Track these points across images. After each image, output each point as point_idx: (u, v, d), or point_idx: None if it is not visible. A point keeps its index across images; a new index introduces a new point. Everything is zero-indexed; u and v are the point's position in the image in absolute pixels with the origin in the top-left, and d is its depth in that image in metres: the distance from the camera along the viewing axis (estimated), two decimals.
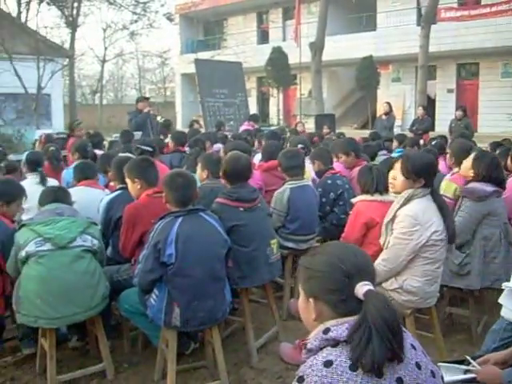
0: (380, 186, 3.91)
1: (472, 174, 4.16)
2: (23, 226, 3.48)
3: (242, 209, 3.77)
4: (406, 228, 3.30)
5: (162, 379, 3.56)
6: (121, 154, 4.67)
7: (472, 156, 4.27)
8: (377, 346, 1.43)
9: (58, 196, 3.74)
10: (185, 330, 3.37)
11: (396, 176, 3.48)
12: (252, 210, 3.82)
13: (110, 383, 3.60)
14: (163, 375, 3.56)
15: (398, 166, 3.45)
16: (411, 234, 3.28)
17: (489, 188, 4.02)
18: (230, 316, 3.95)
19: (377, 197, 3.90)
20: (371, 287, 1.54)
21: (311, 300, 1.61)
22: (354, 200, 4.10)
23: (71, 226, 3.44)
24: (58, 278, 3.33)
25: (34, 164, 5.16)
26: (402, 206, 3.38)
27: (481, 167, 4.08)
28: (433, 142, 7.25)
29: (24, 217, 4.70)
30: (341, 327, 1.51)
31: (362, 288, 1.53)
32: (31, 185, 4.89)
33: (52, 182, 5.04)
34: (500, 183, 4.12)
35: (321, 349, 1.52)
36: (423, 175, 3.36)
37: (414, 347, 1.58)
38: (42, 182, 4.92)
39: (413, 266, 3.36)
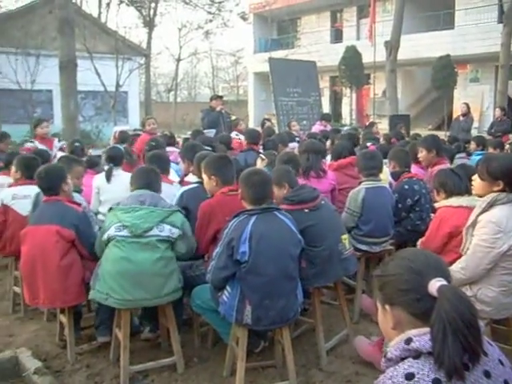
0: (467, 187, 3.75)
1: None
2: (111, 209, 3.66)
3: (307, 210, 3.72)
4: (487, 235, 3.16)
5: (231, 376, 3.58)
6: (203, 152, 4.68)
7: None
8: (452, 342, 1.36)
9: (149, 179, 3.81)
10: (256, 328, 3.36)
11: (476, 178, 3.36)
12: (317, 208, 3.76)
13: (181, 377, 3.65)
14: (232, 372, 3.59)
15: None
16: (493, 242, 3.14)
17: None
18: (301, 317, 3.92)
19: (463, 201, 3.69)
20: (445, 282, 1.47)
21: (387, 307, 1.57)
22: (437, 205, 3.92)
23: (149, 216, 3.51)
24: (130, 263, 3.45)
25: (112, 159, 5.31)
26: (484, 211, 3.24)
27: None
28: None
29: (101, 209, 4.89)
30: (423, 338, 1.44)
31: (434, 284, 1.46)
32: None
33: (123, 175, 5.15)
34: None
35: (402, 359, 1.46)
36: (501, 178, 3.21)
37: (501, 363, 1.50)
38: (107, 177, 5.05)
39: (490, 275, 3.23)
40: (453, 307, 1.39)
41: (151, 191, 3.72)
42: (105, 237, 3.56)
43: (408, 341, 1.46)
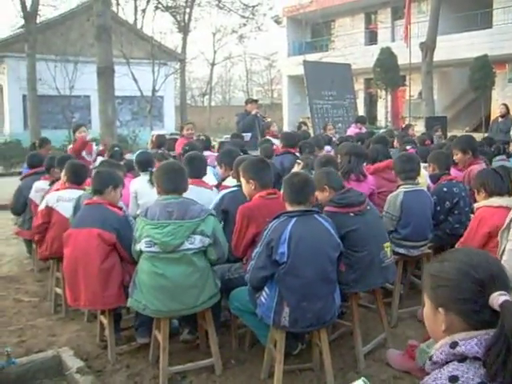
0: (509, 187, 3.68)
1: None
2: (138, 215, 3.69)
3: (352, 214, 3.71)
4: None
5: (268, 378, 3.59)
6: (242, 156, 4.70)
7: None
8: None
9: (176, 181, 3.70)
10: (293, 330, 3.37)
11: None
12: (362, 213, 3.75)
13: (218, 378, 3.68)
14: (269, 374, 3.59)
15: None
16: None
17: None
18: (338, 320, 3.91)
19: (504, 202, 3.63)
20: (508, 298, 1.41)
21: (441, 310, 1.52)
22: (476, 205, 3.86)
23: (178, 232, 3.46)
24: (164, 278, 3.47)
25: (143, 164, 5.37)
26: None
27: None
28: None
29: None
30: (470, 342, 1.42)
31: (497, 298, 1.41)
32: (143, 183, 5.16)
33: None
34: None
35: (446, 362, 1.45)
36: None
37: None
38: (151, 181, 5.07)
39: None
40: None
41: (179, 195, 3.66)
42: (137, 248, 3.59)
43: (454, 344, 1.44)
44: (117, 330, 4.13)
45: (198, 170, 4.67)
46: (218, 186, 4.92)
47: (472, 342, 1.42)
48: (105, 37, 12.32)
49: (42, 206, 4.87)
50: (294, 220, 3.27)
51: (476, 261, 1.52)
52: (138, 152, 6.26)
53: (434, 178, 5.10)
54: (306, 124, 10.93)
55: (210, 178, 5.13)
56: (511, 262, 3.16)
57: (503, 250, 3.26)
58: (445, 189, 4.80)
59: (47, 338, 4.40)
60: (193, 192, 4.42)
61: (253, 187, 3.85)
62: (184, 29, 29.27)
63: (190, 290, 3.51)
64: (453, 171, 5.29)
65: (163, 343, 3.57)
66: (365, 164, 5.83)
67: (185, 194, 3.78)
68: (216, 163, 5.40)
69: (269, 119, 10.21)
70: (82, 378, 3.50)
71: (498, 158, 6.73)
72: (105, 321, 4.03)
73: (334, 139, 8.74)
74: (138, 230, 3.59)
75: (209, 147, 7.68)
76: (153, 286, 3.49)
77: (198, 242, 3.51)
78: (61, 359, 3.78)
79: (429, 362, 1.52)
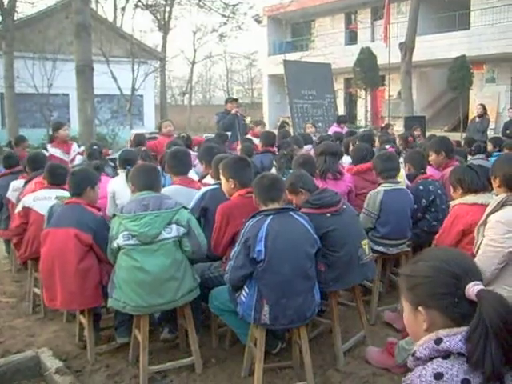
0: (485, 183, 3.72)
1: None
2: (115, 215, 3.67)
3: (328, 214, 3.72)
4: (496, 235, 3.17)
5: (249, 376, 3.60)
6: (221, 154, 4.67)
7: None
8: (494, 347, 1.36)
9: (150, 179, 3.77)
10: (274, 327, 3.39)
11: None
12: (339, 213, 3.76)
13: (199, 377, 3.68)
14: (250, 372, 3.61)
15: None
16: (503, 242, 3.14)
17: None
18: (318, 318, 3.94)
19: (478, 199, 3.67)
20: (483, 287, 1.47)
21: (421, 309, 1.54)
22: (452, 203, 3.91)
23: (154, 222, 3.49)
24: (142, 272, 3.47)
25: (126, 162, 5.28)
26: (494, 210, 3.24)
27: None
28: None
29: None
30: (454, 338, 1.44)
31: (473, 288, 1.46)
32: (121, 182, 5.04)
33: None
34: None
35: (430, 358, 1.47)
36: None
37: None
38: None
39: (503, 274, 3.22)
40: (496, 312, 1.39)
41: (153, 191, 3.70)
42: (114, 245, 3.57)
43: (438, 341, 1.46)
44: (96, 330, 4.10)
45: (182, 164, 4.66)
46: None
47: (456, 338, 1.44)
48: (84, 35, 12.20)
49: (18, 208, 4.81)
50: (270, 218, 3.29)
51: (448, 256, 1.58)
52: (121, 150, 6.21)
53: (411, 178, 5.16)
54: (287, 123, 10.97)
55: (192, 175, 5.09)
56: (484, 257, 3.23)
57: (479, 246, 3.32)
58: (421, 187, 4.86)
59: (26, 338, 4.35)
60: (182, 193, 4.37)
61: (232, 186, 3.85)
62: (164, 27, 29.14)
63: (169, 282, 3.51)
64: (430, 170, 5.34)
65: (143, 342, 3.56)
66: (345, 162, 5.87)
67: (172, 195, 3.84)
68: (197, 161, 5.39)
69: (248, 119, 10.21)
70: (60, 379, 3.48)
71: (476, 156, 6.80)
72: (84, 321, 4.00)
73: (314, 138, 8.78)
74: (113, 229, 3.59)
75: (189, 146, 7.66)
76: (132, 280, 3.48)
77: (174, 231, 3.55)
78: (39, 360, 3.75)
79: (411, 357, 1.53)
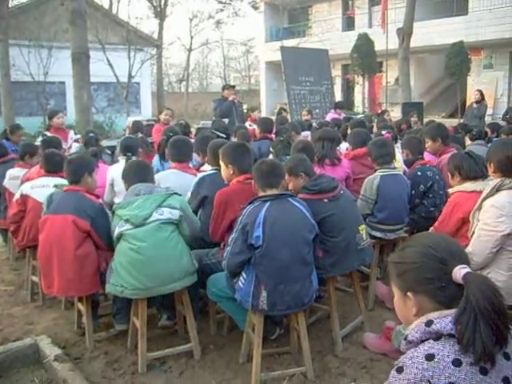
0: (483, 171, 3.72)
1: None
2: (113, 212, 3.72)
3: (326, 200, 3.71)
4: (490, 219, 3.20)
5: (247, 362, 3.62)
6: (216, 140, 4.68)
7: None
8: (484, 328, 1.38)
9: (142, 175, 3.87)
10: (272, 313, 3.40)
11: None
12: (336, 198, 3.75)
13: (197, 363, 3.70)
14: (248, 358, 3.63)
15: None
16: (496, 226, 3.16)
17: None
18: (316, 304, 3.95)
19: (477, 186, 3.66)
20: (469, 269, 1.49)
21: (410, 294, 1.58)
22: (451, 190, 3.90)
23: (145, 204, 3.54)
24: (137, 251, 3.49)
25: (127, 149, 5.30)
26: (489, 195, 3.26)
27: None
28: None
29: (116, 200, 4.93)
30: (444, 320, 1.47)
31: (459, 271, 1.48)
32: (120, 169, 5.06)
33: None
34: None
35: (422, 341, 1.49)
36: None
37: None
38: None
39: (498, 258, 3.24)
40: (482, 294, 1.41)
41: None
42: (114, 237, 3.64)
43: (429, 323, 1.49)
44: (94, 317, 4.11)
45: (182, 153, 4.71)
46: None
47: (446, 319, 1.47)
48: (79, 22, 12.13)
49: (16, 196, 4.82)
50: (267, 204, 3.28)
51: (434, 241, 1.60)
52: (124, 137, 6.21)
53: (409, 163, 5.16)
54: (285, 110, 10.96)
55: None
56: (478, 241, 3.24)
57: (474, 231, 3.33)
58: (419, 173, 4.86)
59: (24, 326, 4.37)
60: (173, 175, 4.43)
61: (231, 172, 3.84)
62: (160, 14, 28.98)
63: (165, 262, 3.51)
64: (428, 156, 5.34)
65: (141, 329, 3.57)
66: (343, 148, 5.84)
67: (168, 178, 4.04)
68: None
69: (244, 106, 10.20)
70: (59, 366, 3.48)
71: (476, 142, 6.76)
72: (82, 308, 4.01)
73: (314, 124, 8.77)
74: (113, 225, 3.67)
75: (187, 133, 7.64)
76: (128, 262, 3.50)
77: (166, 213, 3.58)
78: (38, 347, 3.76)
79: (404, 341, 1.56)
